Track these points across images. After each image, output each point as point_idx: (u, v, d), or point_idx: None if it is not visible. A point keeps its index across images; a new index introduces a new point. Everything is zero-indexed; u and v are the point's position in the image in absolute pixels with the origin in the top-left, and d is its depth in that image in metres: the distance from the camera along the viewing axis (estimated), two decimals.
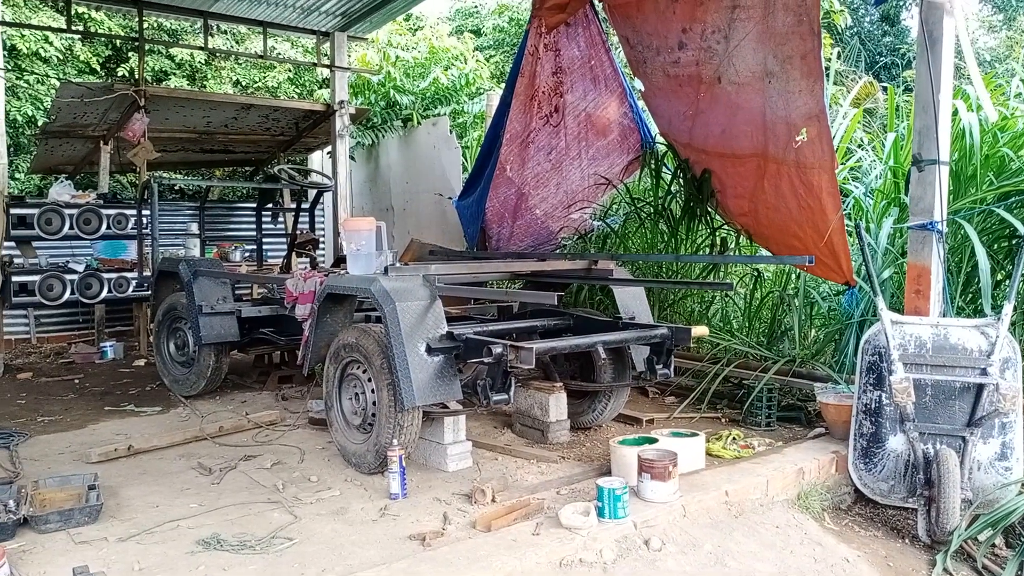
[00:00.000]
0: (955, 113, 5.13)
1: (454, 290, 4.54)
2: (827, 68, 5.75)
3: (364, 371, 4.31)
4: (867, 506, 4.29)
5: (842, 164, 6.32)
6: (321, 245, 9.88)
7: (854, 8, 18.59)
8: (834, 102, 7.54)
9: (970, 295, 5.03)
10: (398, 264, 4.70)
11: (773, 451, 4.56)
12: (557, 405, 4.90)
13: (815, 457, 4.37)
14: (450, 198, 8.87)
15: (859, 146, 7.06)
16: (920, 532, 4.01)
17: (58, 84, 8.55)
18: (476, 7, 18.38)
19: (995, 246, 5.12)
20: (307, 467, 4.43)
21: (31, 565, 3.15)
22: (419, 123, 10.35)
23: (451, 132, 9.61)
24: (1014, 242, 4.93)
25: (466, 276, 5.10)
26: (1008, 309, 4.11)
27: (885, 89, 10.00)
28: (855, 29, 20.24)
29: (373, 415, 4.25)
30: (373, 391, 4.24)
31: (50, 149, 9.47)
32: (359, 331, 4.35)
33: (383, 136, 10.71)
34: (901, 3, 20.99)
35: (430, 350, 4.01)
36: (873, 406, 4.29)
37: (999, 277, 5.04)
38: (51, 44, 12.11)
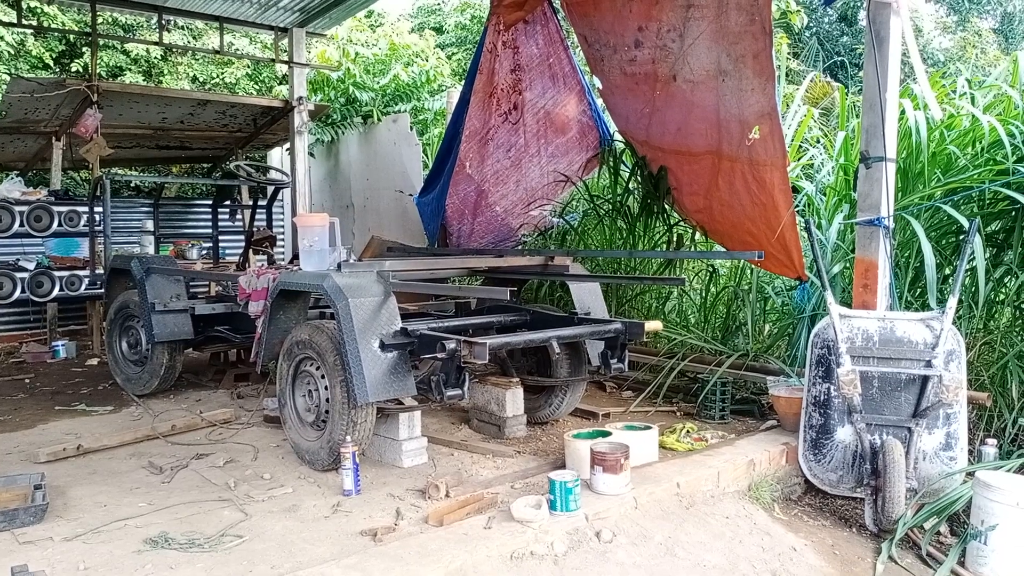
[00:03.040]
0: (903, 112, 5.24)
1: (409, 286, 4.53)
2: (779, 67, 5.84)
3: (317, 368, 4.28)
4: (816, 496, 4.37)
5: (795, 161, 6.42)
6: (280, 242, 9.80)
7: (812, 8, 18.85)
8: (789, 100, 7.64)
9: (918, 290, 5.13)
10: (352, 260, 4.68)
11: (725, 443, 4.62)
12: (513, 400, 4.92)
13: (766, 449, 4.44)
14: (411, 195, 8.85)
15: (813, 144, 7.17)
16: (867, 521, 4.09)
17: (9, 79, 8.37)
18: (438, 4, 18.33)
19: (942, 242, 5.23)
20: (260, 465, 4.39)
21: None
22: (379, 120, 10.30)
23: (412, 129, 9.57)
24: (960, 238, 5.04)
25: (422, 272, 5.09)
26: (952, 303, 4.21)
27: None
28: (813, 29, 20.53)
29: (327, 412, 4.23)
30: (327, 388, 4.21)
31: (1, 145, 9.28)
32: (312, 328, 4.32)
33: (343, 133, 10.64)
34: (859, 3, 21.31)
35: (384, 346, 4.00)
36: (822, 398, 4.37)
37: (947, 272, 5.15)
38: (2, 39, 11.84)
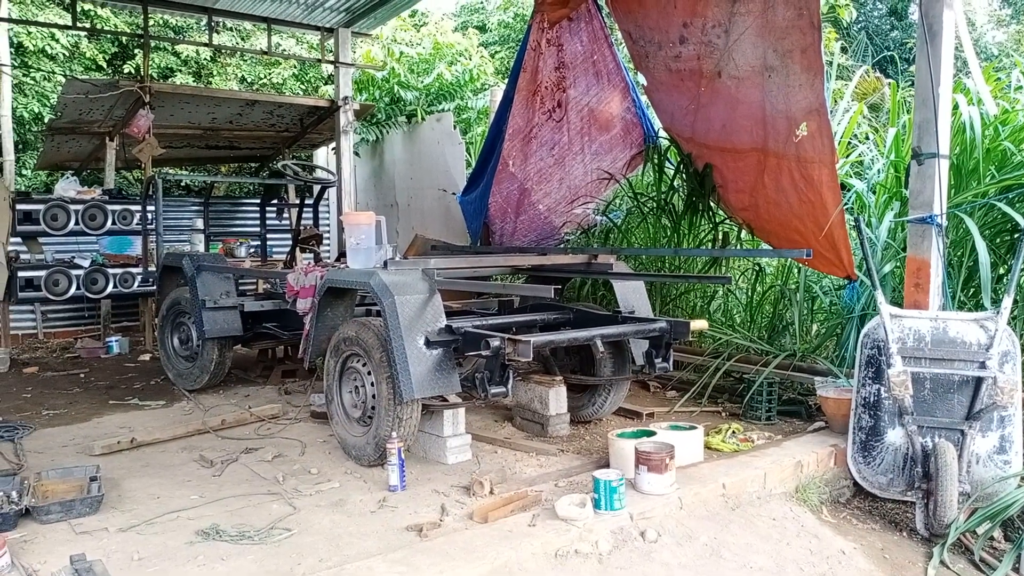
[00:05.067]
0: (956, 107, 5.12)
1: (453, 284, 4.56)
2: (828, 62, 5.74)
3: (364, 364, 4.33)
4: (866, 499, 4.30)
5: (844, 158, 6.31)
6: (326, 240, 9.92)
7: (861, 2, 18.51)
8: (838, 96, 7.51)
9: (972, 289, 5.02)
10: (398, 258, 4.72)
11: (772, 444, 4.57)
12: (557, 399, 4.92)
13: (814, 450, 4.38)
14: (454, 193, 8.89)
15: (863, 140, 7.04)
16: (918, 525, 4.02)
17: (64, 81, 8.60)
18: (481, 3, 18.37)
19: (997, 240, 5.10)
20: (308, 460, 4.46)
21: (32, 555, 3.19)
22: (423, 119, 10.37)
23: (455, 128, 9.62)
24: (1016, 236, 4.91)
25: (466, 271, 5.11)
26: (1007, 303, 4.11)
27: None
28: (863, 23, 20.14)
29: (373, 408, 4.27)
30: (373, 384, 4.26)
31: (56, 145, 9.54)
32: (359, 325, 4.38)
33: (387, 132, 10.73)
34: None
35: (429, 343, 4.03)
36: (872, 400, 4.29)
37: (1001, 271, 5.03)
38: (57, 41, 12.18)
